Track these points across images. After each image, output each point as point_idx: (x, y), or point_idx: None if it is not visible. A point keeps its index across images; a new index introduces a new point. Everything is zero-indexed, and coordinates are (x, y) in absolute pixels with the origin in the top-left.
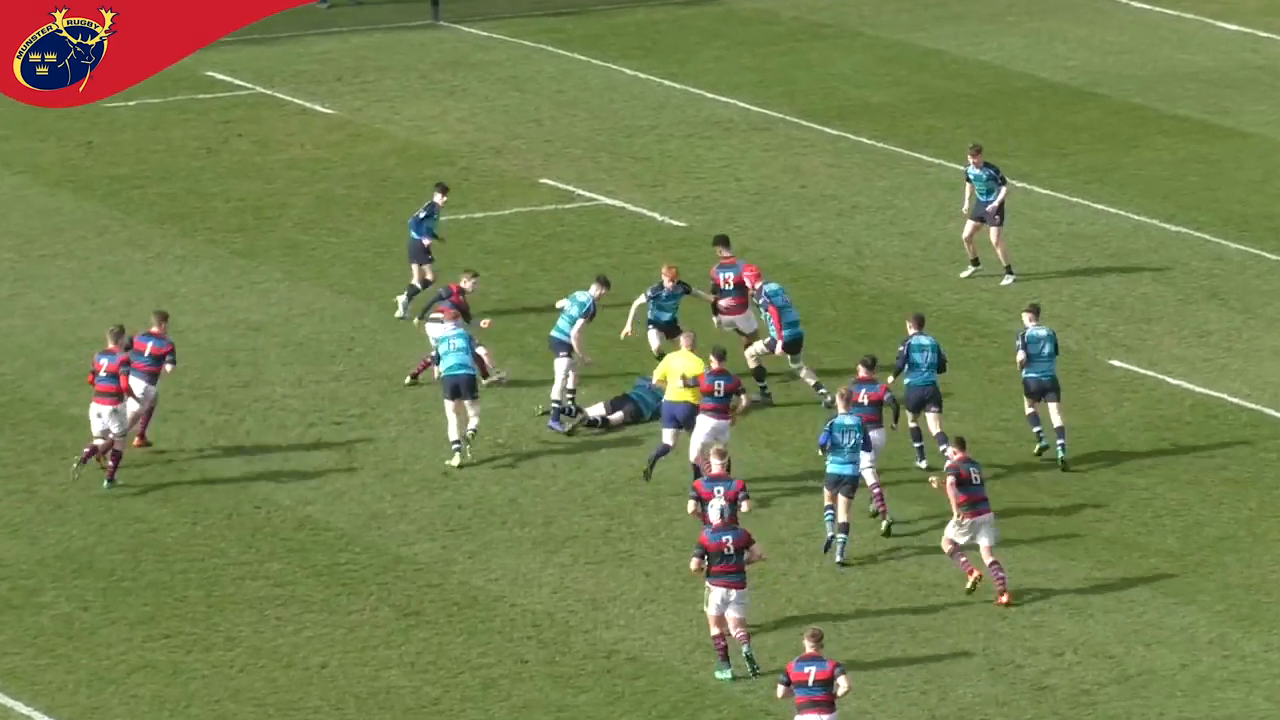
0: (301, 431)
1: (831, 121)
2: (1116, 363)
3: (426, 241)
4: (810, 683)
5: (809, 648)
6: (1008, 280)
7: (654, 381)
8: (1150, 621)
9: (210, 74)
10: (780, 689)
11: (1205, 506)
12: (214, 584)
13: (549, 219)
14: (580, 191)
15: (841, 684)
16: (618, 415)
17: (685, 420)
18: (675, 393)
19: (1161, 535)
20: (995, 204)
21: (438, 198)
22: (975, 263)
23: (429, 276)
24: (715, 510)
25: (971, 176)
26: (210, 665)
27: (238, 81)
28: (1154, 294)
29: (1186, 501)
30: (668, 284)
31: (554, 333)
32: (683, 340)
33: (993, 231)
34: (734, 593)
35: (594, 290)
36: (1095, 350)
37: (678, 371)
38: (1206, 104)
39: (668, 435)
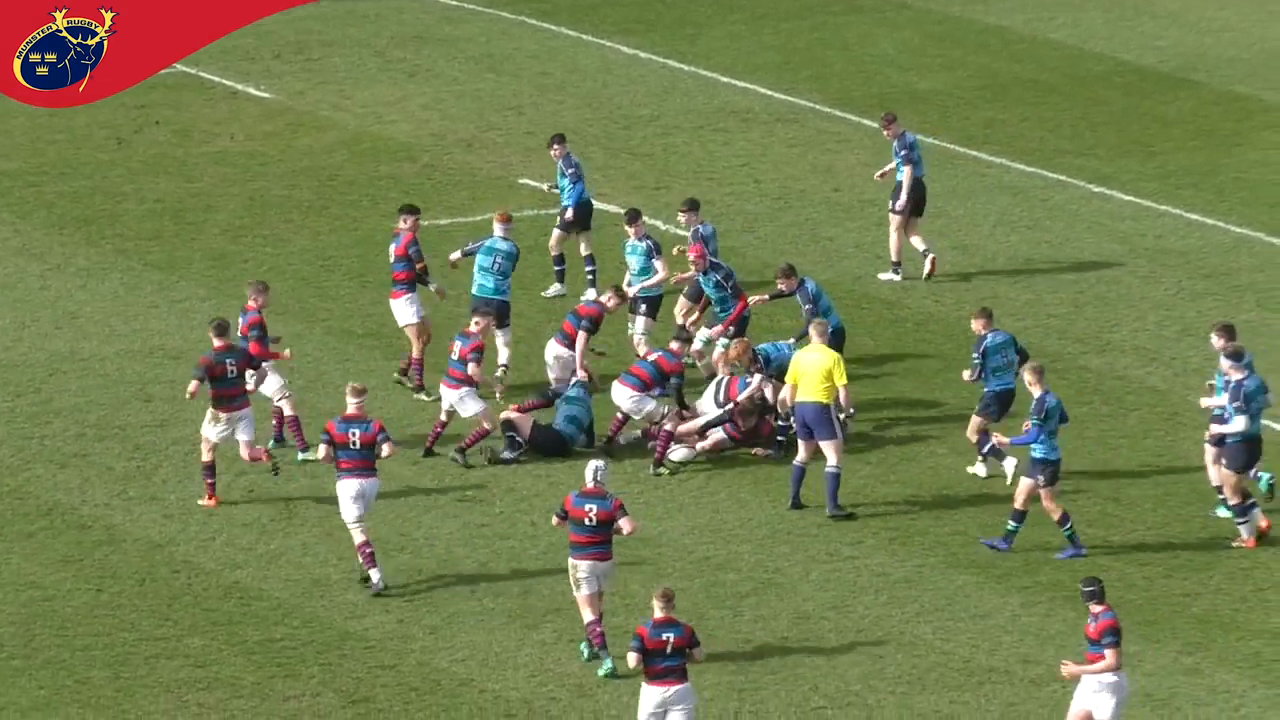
0: (230, 480)
1: (871, 112)
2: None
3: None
4: (668, 650)
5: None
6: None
7: (788, 383)
8: (1249, 715)
9: None
10: (632, 657)
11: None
12: (123, 663)
13: (530, 227)
14: None
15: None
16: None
17: (815, 423)
18: (806, 391)
19: (1264, 612)
20: (904, 178)
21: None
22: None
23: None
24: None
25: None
26: None
27: None
28: (1260, 322)
29: None
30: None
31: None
32: (813, 332)
33: (892, 219)
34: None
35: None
36: (1187, 390)
37: (811, 370)
38: None
39: (802, 450)
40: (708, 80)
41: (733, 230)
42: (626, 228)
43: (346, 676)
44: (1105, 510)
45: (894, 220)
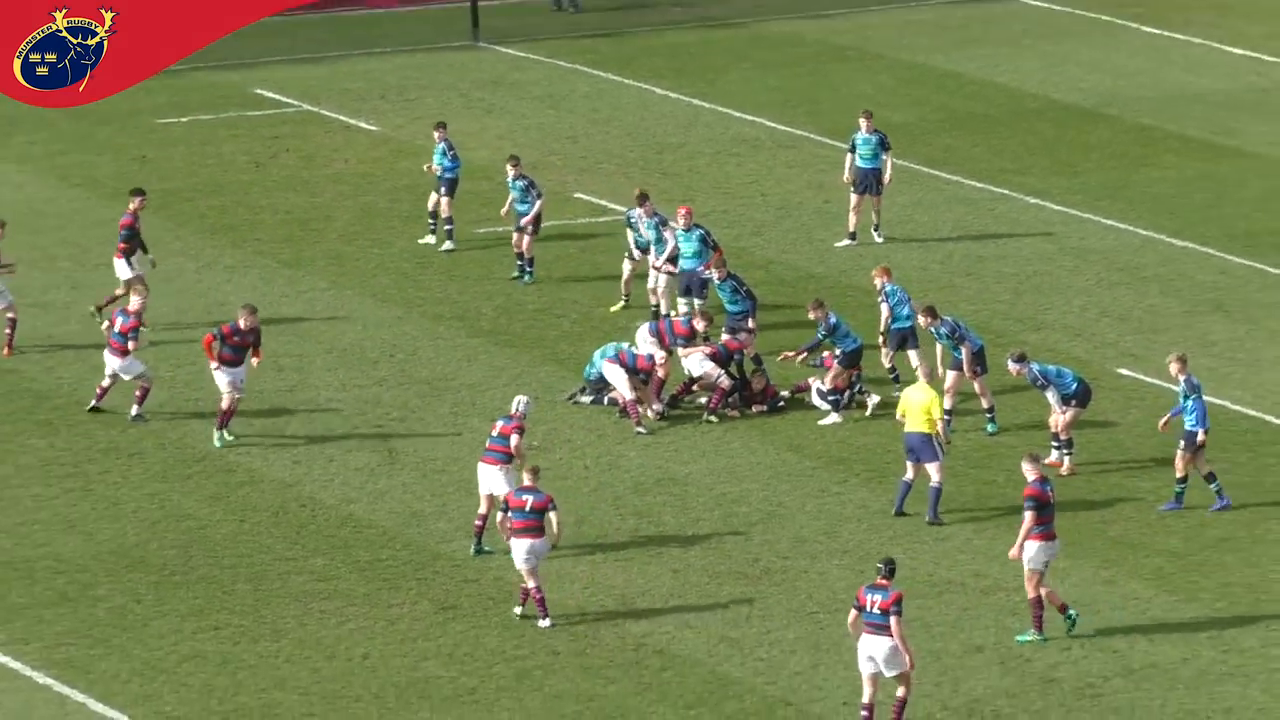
0: (345, 433)
1: None
2: (1124, 371)
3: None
4: (528, 509)
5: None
6: (878, 239)
7: (898, 416)
8: (1154, 618)
9: (259, 91)
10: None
11: (1207, 508)
12: (261, 579)
13: (583, 231)
14: (612, 206)
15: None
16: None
17: (920, 449)
18: (912, 423)
19: (1165, 536)
20: (888, 175)
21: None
22: (853, 236)
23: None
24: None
25: (860, 142)
26: (257, 656)
27: (285, 99)
28: (1161, 306)
29: (1189, 503)
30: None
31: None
32: (920, 372)
33: (875, 199)
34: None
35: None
36: (1104, 359)
37: (916, 405)
38: (1213, 124)
39: (910, 470)
40: (724, 114)
41: (744, 234)
42: (638, 208)
43: (438, 589)
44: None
45: (875, 201)
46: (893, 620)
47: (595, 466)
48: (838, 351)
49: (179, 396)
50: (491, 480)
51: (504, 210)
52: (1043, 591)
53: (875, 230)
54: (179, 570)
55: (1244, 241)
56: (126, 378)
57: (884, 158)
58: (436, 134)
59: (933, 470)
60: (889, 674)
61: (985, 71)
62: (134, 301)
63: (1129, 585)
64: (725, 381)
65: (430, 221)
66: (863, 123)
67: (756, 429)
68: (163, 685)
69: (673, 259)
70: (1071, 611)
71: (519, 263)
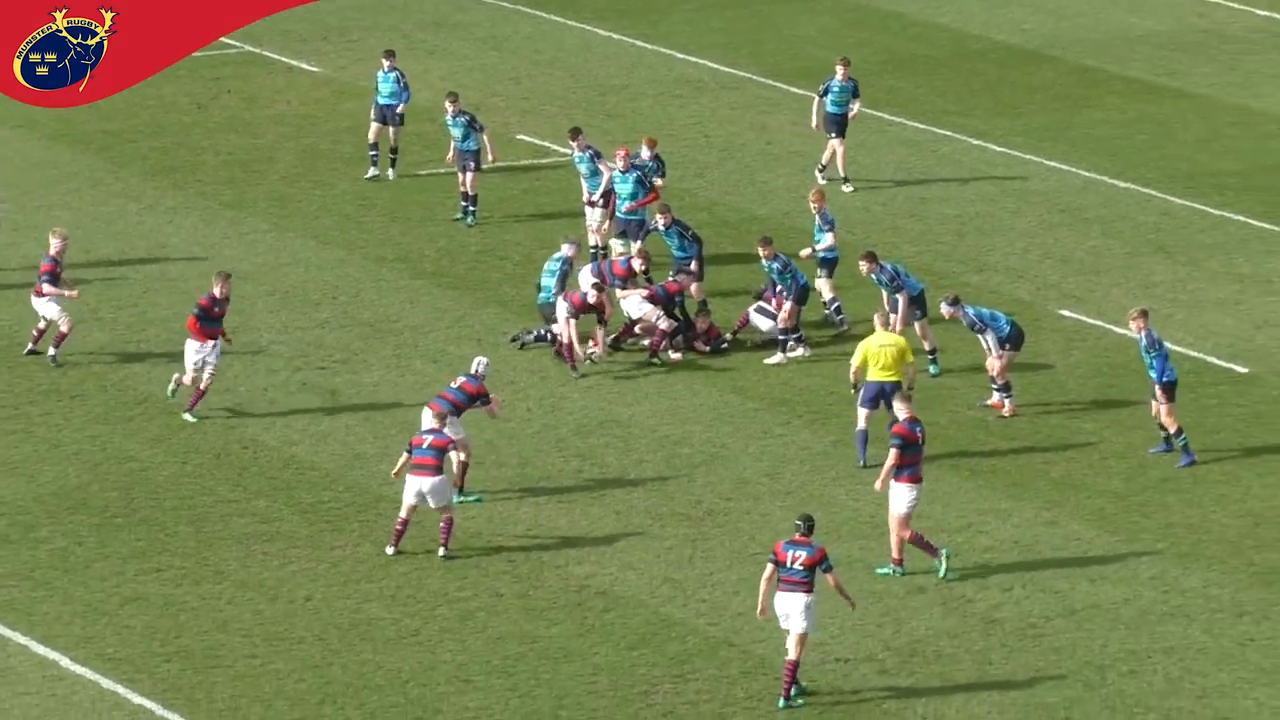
0: (287, 376)
1: (797, 81)
2: (1066, 313)
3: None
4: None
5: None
6: (848, 188)
7: (854, 367)
8: (1095, 558)
9: None
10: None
11: (1150, 445)
12: (203, 520)
13: (525, 174)
14: (555, 147)
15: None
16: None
17: (891, 396)
18: (884, 372)
19: (1107, 476)
20: (853, 114)
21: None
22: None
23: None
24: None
25: (836, 89)
26: (199, 598)
27: (227, 40)
28: (1103, 247)
29: (1131, 445)
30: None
31: (540, 297)
32: (878, 322)
33: (839, 142)
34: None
35: (566, 250)
36: (1046, 301)
37: (886, 353)
38: (1155, 66)
39: (862, 418)
40: (667, 56)
41: (687, 176)
42: (570, 142)
43: (381, 530)
44: (973, 399)
45: (839, 144)
46: (830, 576)
47: (538, 409)
48: (784, 290)
49: (120, 339)
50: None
51: (449, 156)
52: (906, 535)
53: (820, 170)
54: (121, 512)
55: (1185, 182)
56: (41, 319)
57: (854, 104)
58: (386, 63)
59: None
60: (794, 631)
61: (927, 13)
62: (53, 245)
63: (1071, 526)
64: (665, 324)
65: (373, 153)
66: (839, 70)
67: (700, 371)
68: (105, 627)
69: (607, 195)
70: (941, 558)
71: (463, 203)
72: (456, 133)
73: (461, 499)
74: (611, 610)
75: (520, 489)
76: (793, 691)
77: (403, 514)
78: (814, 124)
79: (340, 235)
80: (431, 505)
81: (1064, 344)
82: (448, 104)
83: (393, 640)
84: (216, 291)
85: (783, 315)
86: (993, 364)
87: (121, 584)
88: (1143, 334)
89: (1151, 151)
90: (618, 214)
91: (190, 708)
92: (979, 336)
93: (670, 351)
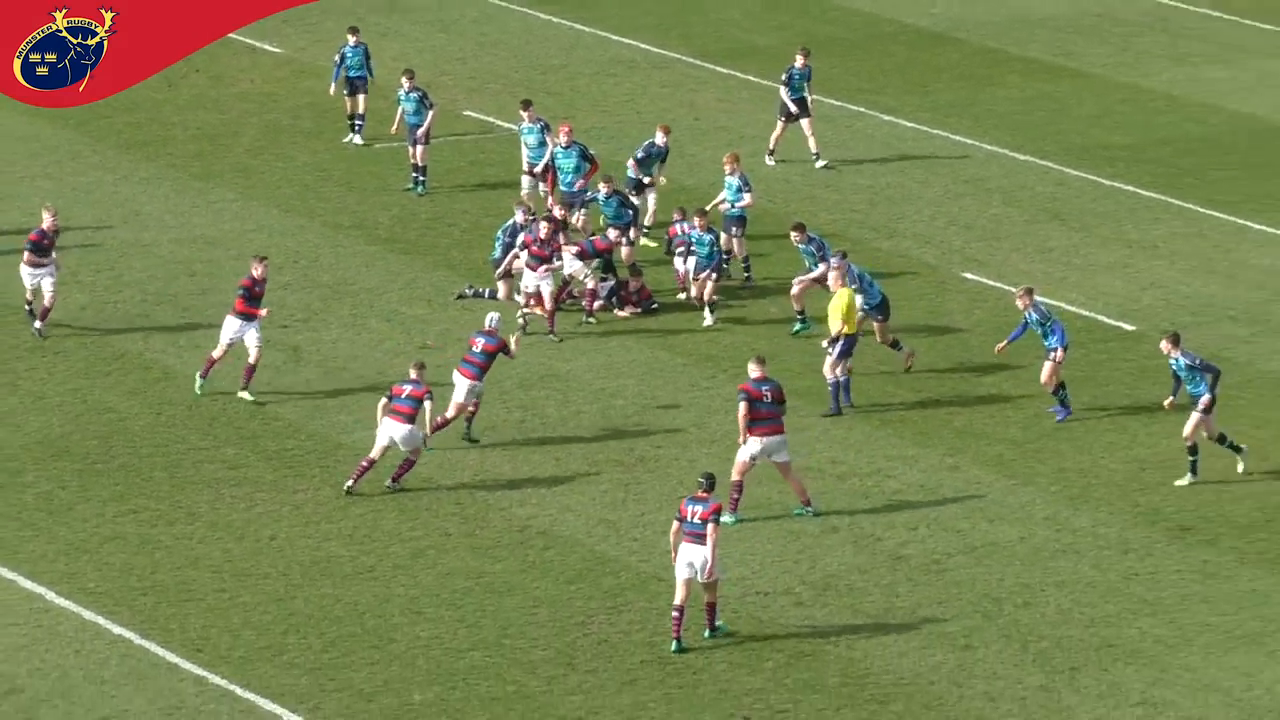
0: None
1: (723, 61)
2: (969, 275)
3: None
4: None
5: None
6: (821, 164)
7: (837, 327)
8: (994, 500)
9: None
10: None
11: (1044, 401)
12: (177, 466)
13: (471, 147)
14: (499, 123)
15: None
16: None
17: (846, 349)
18: (849, 328)
19: (1005, 426)
20: (810, 97)
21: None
22: (816, 155)
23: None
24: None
25: (796, 75)
26: (173, 537)
27: None
28: (1003, 215)
29: (1028, 396)
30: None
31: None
32: (834, 281)
33: (806, 123)
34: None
35: (519, 217)
36: (951, 265)
37: (848, 311)
38: (1053, 48)
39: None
40: (603, 38)
41: (621, 149)
42: (521, 113)
43: (340, 475)
44: (889, 354)
45: (808, 124)
46: (710, 528)
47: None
48: (810, 265)
49: (98, 300)
50: (462, 390)
51: (394, 128)
52: (739, 479)
53: (771, 156)
54: (101, 459)
55: (1079, 155)
56: (28, 286)
57: (807, 88)
58: (352, 38)
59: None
60: (703, 580)
61: None
62: (45, 220)
63: (972, 471)
64: (591, 283)
65: (351, 122)
66: (799, 59)
67: (632, 330)
68: (86, 564)
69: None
70: (733, 515)
71: (414, 174)
72: (408, 107)
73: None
74: (551, 548)
75: (457, 432)
76: (717, 625)
77: (374, 454)
78: (778, 111)
79: (301, 204)
80: (402, 450)
81: (967, 304)
82: (404, 80)
83: (350, 576)
84: (256, 273)
85: (699, 286)
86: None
87: (101, 524)
88: (1030, 310)
89: (1049, 127)
90: (559, 186)
91: (165, 637)
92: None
93: (616, 310)
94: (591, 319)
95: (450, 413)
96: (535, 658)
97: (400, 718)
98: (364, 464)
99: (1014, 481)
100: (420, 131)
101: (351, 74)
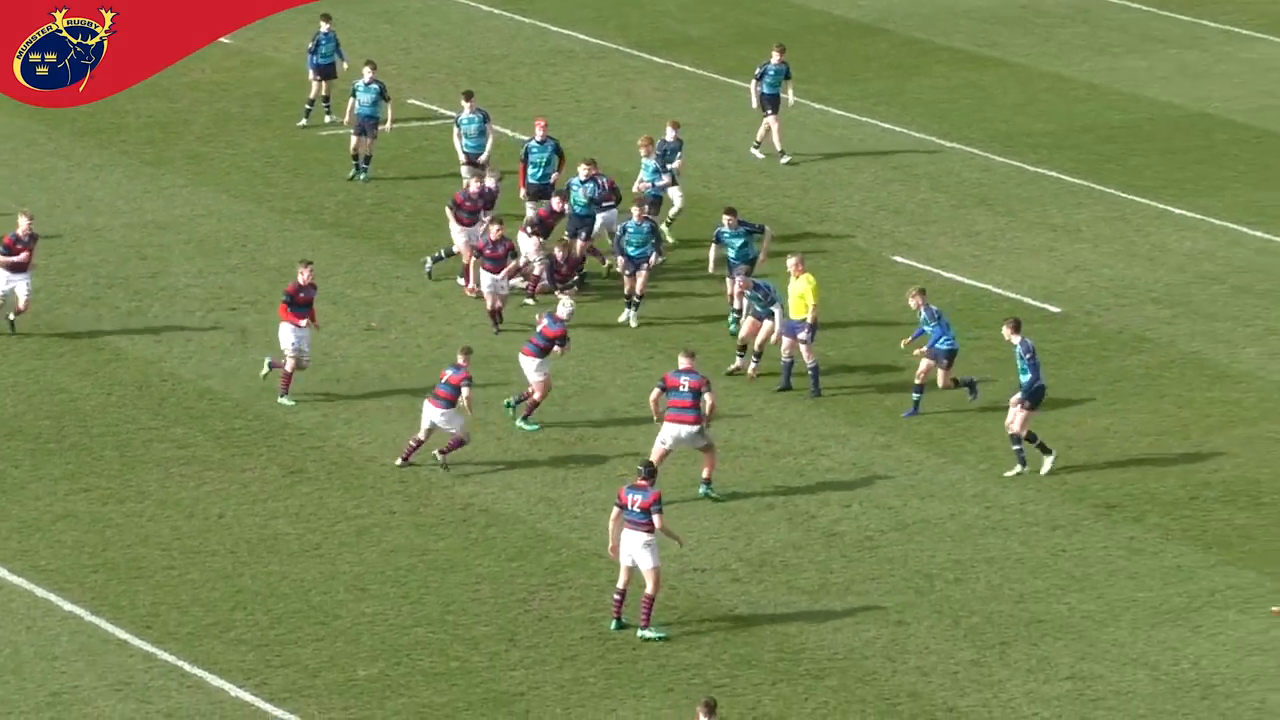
0: (202, 316)
1: (658, 51)
2: (899, 259)
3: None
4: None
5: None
6: (786, 159)
7: (813, 306)
8: (924, 478)
9: None
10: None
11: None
12: (127, 446)
13: (415, 134)
14: (442, 110)
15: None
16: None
17: (796, 331)
18: (795, 310)
19: (935, 405)
20: (789, 99)
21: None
22: (782, 153)
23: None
24: None
25: (771, 71)
26: (124, 515)
27: None
28: (931, 200)
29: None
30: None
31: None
32: (791, 266)
33: (774, 118)
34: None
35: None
36: (881, 248)
37: (793, 294)
38: (978, 38)
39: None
40: (542, 29)
41: (560, 137)
42: (463, 103)
43: (286, 455)
44: (822, 337)
45: (776, 122)
46: (656, 518)
47: (428, 345)
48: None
49: (51, 283)
50: (528, 367)
51: (345, 118)
52: (656, 459)
53: (757, 149)
54: (53, 439)
55: (1004, 142)
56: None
57: (786, 84)
58: (325, 25)
59: (807, 351)
60: (643, 568)
61: None
62: (21, 224)
63: (903, 449)
64: (538, 269)
65: (317, 104)
66: (775, 55)
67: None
68: (38, 542)
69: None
70: (706, 488)
71: (355, 162)
72: (366, 98)
73: (528, 427)
74: (493, 526)
75: (411, 417)
76: (649, 636)
77: (420, 434)
78: (754, 104)
79: (249, 190)
80: (441, 429)
81: (897, 287)
82: (366, 70)
83: (297, 553)
84: (301, 279)
85: (631, 282)
86: (747, 330)
87: (53, 503)
88: (922, 309)
89: (974, 114)
90: (529, 180)
91: (115, 614)
92: (770, 308)
93: (557, 291)
94: (531, 299)
95: (537, 395)
96: (478, 634)
97: (345, 692)
98: (412, 442)
99: (944, 459)
100: (383, 127)
101: (323, 60)
